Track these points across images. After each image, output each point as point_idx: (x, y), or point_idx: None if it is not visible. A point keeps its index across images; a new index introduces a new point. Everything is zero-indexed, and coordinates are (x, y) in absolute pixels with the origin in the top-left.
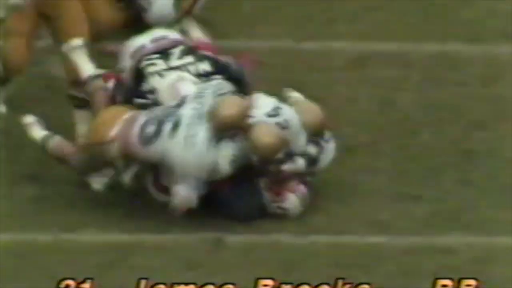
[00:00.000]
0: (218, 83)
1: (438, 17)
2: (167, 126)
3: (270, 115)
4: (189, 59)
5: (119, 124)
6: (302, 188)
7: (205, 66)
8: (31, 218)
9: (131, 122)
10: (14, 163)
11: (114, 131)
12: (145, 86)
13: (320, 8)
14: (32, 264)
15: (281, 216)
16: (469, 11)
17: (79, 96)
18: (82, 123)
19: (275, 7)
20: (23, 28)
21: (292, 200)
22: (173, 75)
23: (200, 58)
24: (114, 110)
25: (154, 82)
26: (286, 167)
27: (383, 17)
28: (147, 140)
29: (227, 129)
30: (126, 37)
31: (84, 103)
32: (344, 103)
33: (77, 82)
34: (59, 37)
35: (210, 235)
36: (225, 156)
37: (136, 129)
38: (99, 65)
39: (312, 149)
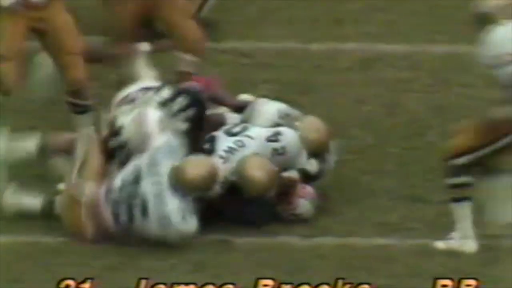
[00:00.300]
0: (168, 143)
1: (444, 18)
2: (137, 210)
3: (269, 140)
4: (149, 93)
5: (85, 214)
6: (309, 190)
7: (164, 93)
8: (36, 221)
9: (97, 210)
10: (19, 165)
11: (86, 224)
12: (116, 125)
13: (327, 10)
14: (36, 267)
15: (289, 219)
16: None
17: (79, 102)
18: (83, 127)
19: (282, 9)
20: (14, 51)
21: (304, 204)
22: (136, 110)
23: (159, 88)
24: (71, 199)
25: (122, 119)
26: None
27: (390, 19)
28: (124, 227)
29: (196, 190)
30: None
31: (84, 108)
32: (351, 104)
33: (76, 91)
34: (53, 51)
35: (217, 237)
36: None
37: (108, 217)
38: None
39: (312, 166)
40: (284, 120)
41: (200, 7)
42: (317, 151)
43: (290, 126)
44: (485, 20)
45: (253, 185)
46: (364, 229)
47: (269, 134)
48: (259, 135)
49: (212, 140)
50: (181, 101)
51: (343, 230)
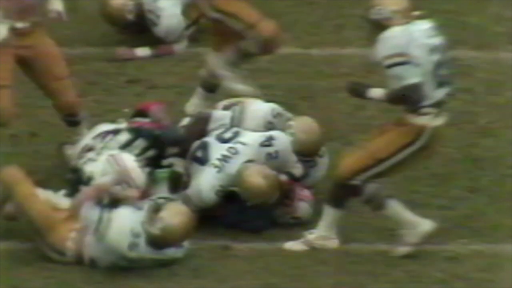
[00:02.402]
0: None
1: (445, 23)
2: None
3: (263, 145)
4: (108, 137)
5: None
6: (307, 193)
7: (123, 137)
8: None
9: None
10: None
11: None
12: (84, 175)
13: (327, 15)
14: (37, 273)
15: (289, 224)
16: (477, 18)
17: (73, 119)
18: (79, 135)
19: (283, 14)
20: (10, 79)
21: (304, 207)
22: (103, 156)
23: (116, 132)
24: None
25: (90, 167)
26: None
27: None
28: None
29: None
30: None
31: (78, 120)
32: (351, 109)
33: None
34: (41, 78)
35: (218, 243)
36: (212, 187)
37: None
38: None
39: (297, 169)
40: (277, 119)
41: (201, 15)
42: (308, 152)
43: (283, 125)
44: (379, 25)
45: (256, 194)
46: (365, 235)
47: (262, 139)
48: (252, 141)
49: (204, 147)
50: (139, 144)
51: (344, 236)
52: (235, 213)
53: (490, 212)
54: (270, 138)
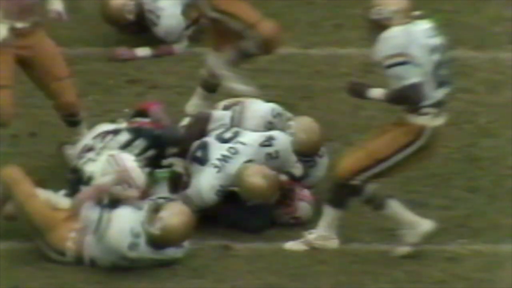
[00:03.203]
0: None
1: (445, 23)
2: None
3: (263, 145)
4: (108, 137)
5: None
6: (307, 193)
7: (123, 137)
8: None
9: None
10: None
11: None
12: (84, 175)
13: (327, 15)
14: (37, 273)
15: (289, 224)
16: (476, 18)
17: (72, 119)
18: (78, 135)
19: (282, 14)
20: (11, 79)
21: (304, 207)
22: (103, 156)
23: (116, 132)
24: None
25: (90, 167)
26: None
27: None
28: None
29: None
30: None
31: (77, 120)
32: (351, 109)
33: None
34: (41, 79)
35: (218, 243)
36: (212, 187)
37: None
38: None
39: (297, 169)
40: (277, 119)
41: (201, 15)
42: (308, 152)
43: (283, 125)
44: (379, 25)
45: (256, 194)
46: (365, 235)
47: (262, 139)
48: (252, 141)
49: (204, 147)
50: (139, 144)
51: (343, 236)
52: (235, 213)
53: (490, 212)
54: (270, 138)
